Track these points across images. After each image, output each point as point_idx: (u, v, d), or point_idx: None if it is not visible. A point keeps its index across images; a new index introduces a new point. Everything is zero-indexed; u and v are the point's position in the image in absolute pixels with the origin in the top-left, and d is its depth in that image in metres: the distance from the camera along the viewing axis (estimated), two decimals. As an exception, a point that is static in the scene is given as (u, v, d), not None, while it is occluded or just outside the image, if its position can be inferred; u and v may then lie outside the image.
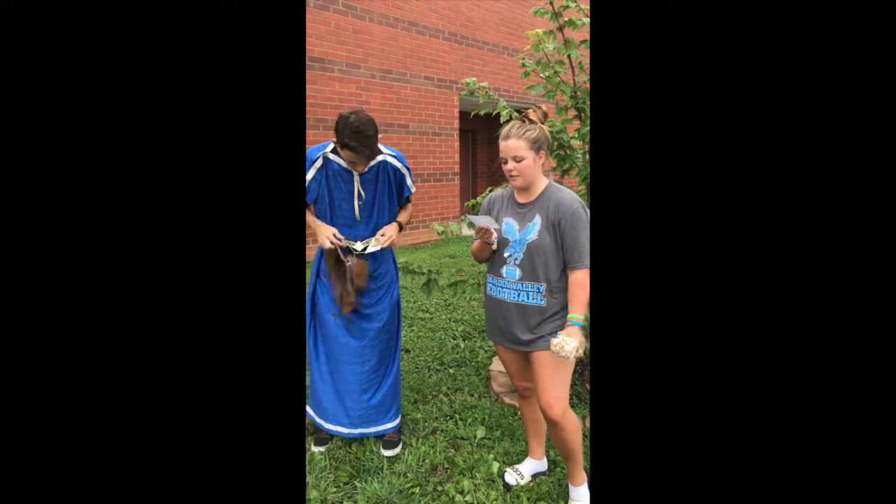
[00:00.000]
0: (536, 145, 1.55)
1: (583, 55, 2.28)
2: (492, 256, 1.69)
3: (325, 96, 6.11)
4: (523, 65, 2.42)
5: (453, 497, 1.80)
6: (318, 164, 1.92)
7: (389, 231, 1.97)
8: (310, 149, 1.94)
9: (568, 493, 1.78)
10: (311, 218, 1.97)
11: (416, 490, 1.85)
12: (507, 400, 2.50)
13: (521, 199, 1.64)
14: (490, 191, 2.17)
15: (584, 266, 1.52)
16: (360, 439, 2.13)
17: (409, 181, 2.06)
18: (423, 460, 2.02)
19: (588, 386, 2.53)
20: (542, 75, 2.39)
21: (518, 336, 1.62)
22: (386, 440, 2.10)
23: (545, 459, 1.94)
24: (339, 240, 1.91)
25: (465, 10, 7.90)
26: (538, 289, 1.58)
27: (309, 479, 1.91)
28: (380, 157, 1.96)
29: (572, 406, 2.33)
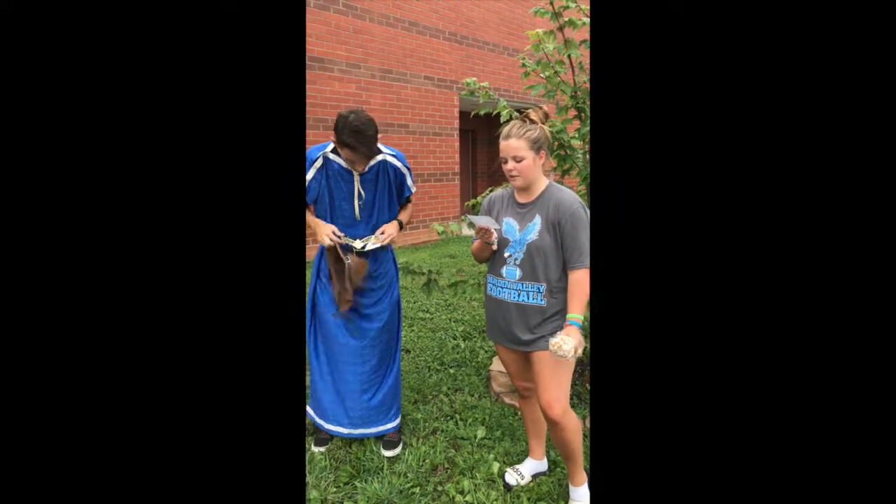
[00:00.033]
0: (537, 145, 1.55)
1: (583, 55, 2.28)
2: (492, 256, 1.69)
3: (325, 96, 6.11)
4: (523, 65, 2.42)
5: (453, 497, 1.80)
6: (318, 163, 1.92)
7: (389, 229, 1.97)
8: (310, 149, 1.94)
9: (568, 493, 1.78)
10: (311, 217, 1.97)
11: (417, 490, 1.85)
12: (507, 400, 2.50)
13: (521, 199, 1.64)
14: (490, 191, 2.17)
15: (583, 266, 1.52)
16: (361, 439, 2.13)
17: (409, 181, 2.06)
18: (424, 460, 2.02)
19: (588, 386, 2.53)
20: (542, 75, 2.39)
21: (518, 336, 1.62)
22: (386, 440, 2.10)
23: (545, 459, 1.94)
24: (339, 237, 1.91)
25: (465, 10, 7.90)
26: (538, 289, 1.58)
27: (309, 479, 1.91)
28: (380, 157, 1.96)
29: (572, 406, 2.33)
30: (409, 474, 1.93)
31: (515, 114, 2.04)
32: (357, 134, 1.75)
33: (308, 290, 2.07)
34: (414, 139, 7.32)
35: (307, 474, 1.93)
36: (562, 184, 2.00)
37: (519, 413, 2.36)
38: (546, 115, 1.64)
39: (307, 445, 2.12)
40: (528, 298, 1.59)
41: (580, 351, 1.43)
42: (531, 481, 1.89)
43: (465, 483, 1.86)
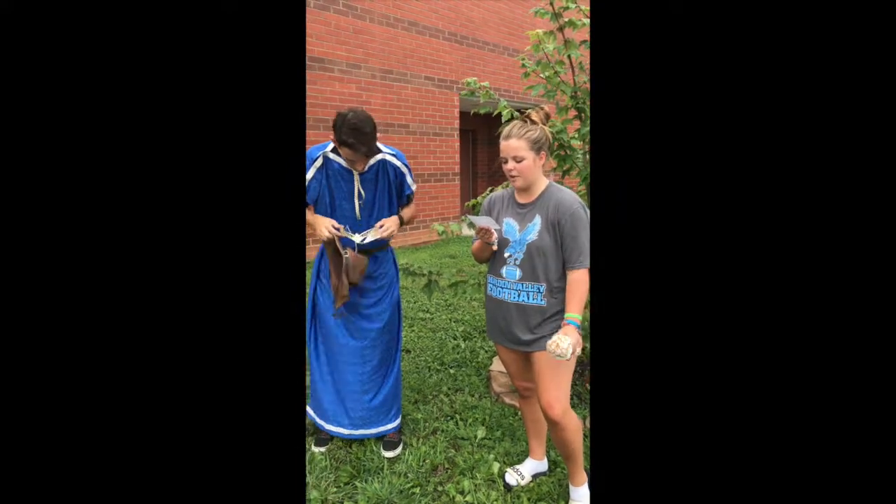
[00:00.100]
0: (537, 146, 1.55)
1: (583, 55, 2.28)
2: (492, 257, 1.69)
3: (325, 96, 6.11)
4: (523, 65, 2.42)
5: (454, 497, 1.80)
6: (319, 163, 1.92)
7: (389, 222, 1.96)
8: (310, 148, 1.94)
9: (568, 493, 1.78)
10: (311, 215, 1.96)
11: (417, 490, 1.85)
12: (507, 400, 2.50)
13: (521, 199, 1.64)
14: (490, 191, 2.17)
15: (582, 266, 1.52)
16: (361, 440, 2.13)
17: (409, 179, 2.05)
18: (424, 460, 2.02)
19: (588, 386, 2.53)
20: (542, 75, 2.39)
21: (518, 336, 1.62)
22: (386, 441, 2.10)
23: (546, 460, 1.94)
24: (338, 229, 1.90)
25: (465, 11, 7.90)
26: (538, 289, 1.58)
27: (309, 479, 1.91)
28: (379, 156, 1.95)
29: (572, 406, 2.33)
30: (409, 474, 1.93)
31: (516, 114, 2.04)
32: (356, 132, 1.75)
33: (308, 290, 2.07)
34: (414, 139, 7.32)
35: (307, 474, 1.93)
36: (562, 184, 2.00)
37: (519, 413, 2.36)
38: (547, 116, 1.64)
39: (307, 445, 2.12)
40: (528, 298, 1.59)
41: (578, 350, 1.43)
42: (531, 481, 1.89)
43: (466, 483, 1.86)
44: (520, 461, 1.99)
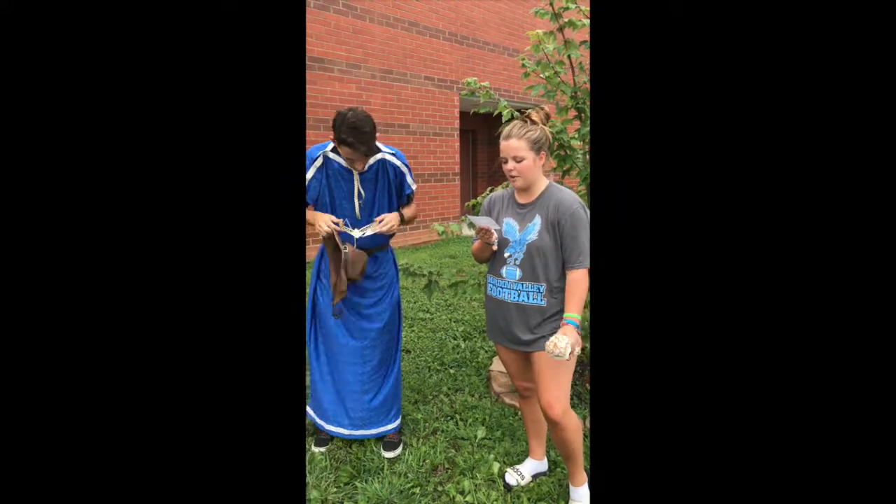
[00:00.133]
0: (537, 146, 1.55)
1: (583, 55, 2.28)
2: (492, 257, 1.69)
3: (325, 96, 6.11)
4: (523, 65, 2.42)
5: (454, 497, 1.80)
6: (319, 162, 1.92)
7: (389, 217, 1.94)
8: (310, 148, 1.94)
9: (568, 493, 1.78)
10: (310, 213, 1.96)
11: (417, 490, 1.85)
12: (507, 400, 2.50)
13: (521, 199, 1.64)
14: (490, 191, 2.17)
15: (582, 266, 1.52)
16: (361, 440, 2.13)
17: (409, 179, 2.05)
18: (424, 460, 2.02)
19: (588, 386, 2.53)
20: (542, 76, 2.39)
21: (518, 336, 1.62)
22: (386, 441, 2.10)
23: (546, 460, 1.94)
24: (337, 223, 1.90)
25: (465, 11, 7.90)
26: (538, 289, 1.58)
27: (309, 479, 1.91)
28: (379, 156, 1.95)
29: (572, 406, 2.33)
30: (409, 474, 1.93)
31: (516, 113, 2.04)
32: (354, 130, 1.75)
33: (308, 290, 2.07)
34: (414, 139, 7.32)
35: (307, 474, 1.93)
36: (562, 184, 2.00)
37: (519, 413, 2.36)
38: (547, 116, 1.64)
39: (307, 446, 2.12)
40: (528, 298, 1.59)
41: (577, 350, 1.43)
42: (531, 481, 1.89)
43: (466, 483, 1.86)
44: (520, 461, 1.99)
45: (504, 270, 1.63)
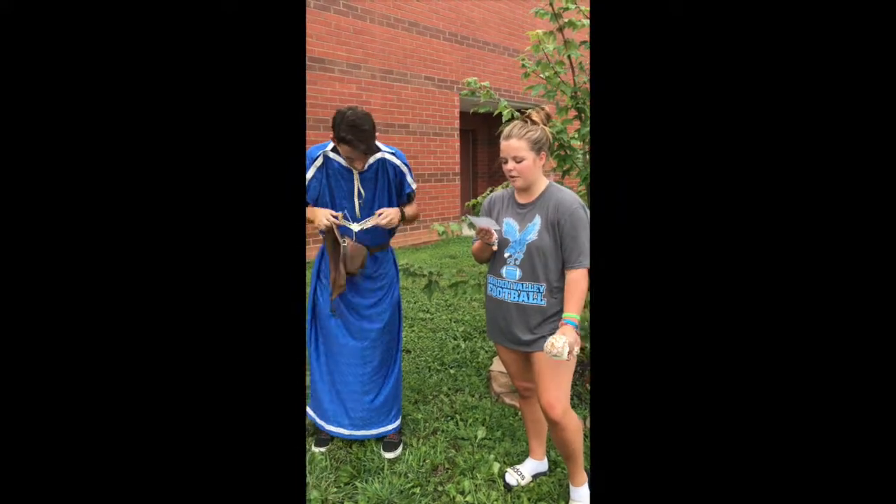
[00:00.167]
0: (537, 146, 1.55)
1: (583, 55, 2.28)
2: (492, 257, 1.69)
3: (325, 97, 6.11)
4: (523, 65, 2.42)
5: (454, 497, 1.80)
6: (319, 162, 1.92)
7: (388, 211, 1.93)
8: (310, 148, 1.94)
9: (569, 493, 1.78)
10: (310, 211, 1.95)
11: (417, 490, 1.85)
12: (507, 400, 2.50)
13: (521, 199, 1.64)
14: (490, 191, 2.17)
15: (581, 266, 1.52)
16: (361, 440, 2.13)
17: (409, 178, 2.05)
18: (424, 460, 2.02)
19: (588, 386, 2.53)
20: (542, 76, 2.39)
21: (518, 336, 1.62)
22: (386, 442, 2.10)
23: (546, 460, 1.94)
24: (336, 216, 1.89)
25: (465, 11, 7.90)
26: (538, 289, 1.58)
27: (310, 479, 1.91)
28: (379, 155, 1.96)
29: (573, 406, 2.33)
30: (409, 474, 1.93)
31: (517, 113, 2.04)
32: (354, 129, 1.75)
33: (308, 290, 2.07)
34: (414, 139, 7.32)
35: (308, 474, 1.93)
36: (562, 184, 2.00)
37: (519, 413, 2.36)
38: (548, 117, 1.64)
39: (308, 446, 2.12)
40: (528, 299, 1.59)
41: (576, 349, 1.43)
42: (531, 481, 1.89)
43: (466, 483, 1.86)
44: (520, 461, 1.99)
45: (504, 270, 1.63)
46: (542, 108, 1.63)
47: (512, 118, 2.18)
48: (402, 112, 7.11)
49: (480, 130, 10.61)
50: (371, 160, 1.94)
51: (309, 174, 1.91)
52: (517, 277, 1.60)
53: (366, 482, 1.88)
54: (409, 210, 2.07)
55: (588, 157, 2.41)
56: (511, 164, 1.56)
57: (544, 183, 1.62)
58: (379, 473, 1.94)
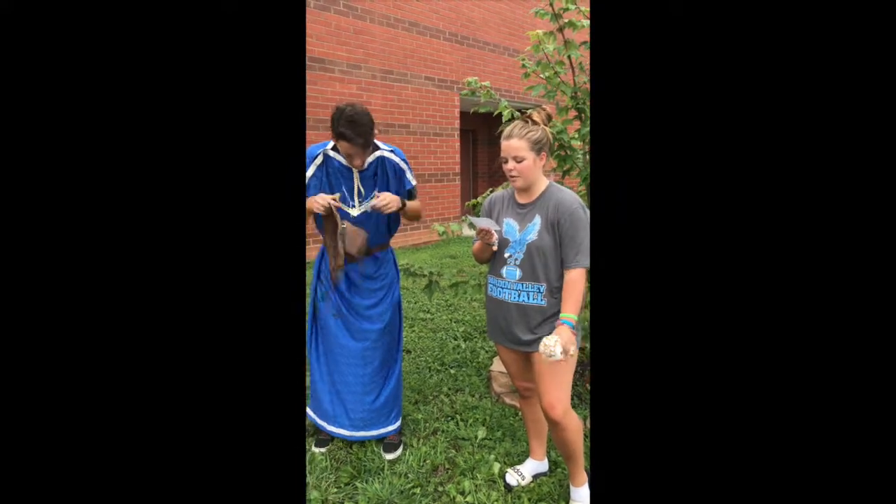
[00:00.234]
0: (538, 146, 1.55)
1: (583, 56, 2.28)
2: (492, 257, 1.69)
3: (325, 97, 6.11)
4: (524, 65, 2.42)
5: (454, 497, 1.80)
6: (319, 161, 1.92)
7: (387, 194, 1.89)
8: (310, 147, 1.94)
9: (569, 493, 1.78)
10: (308, 202, 1.93)
11: (417, 490, 1.85)
12: (508, 400, 2.50)
13: (521, 199, 1.64)
14: (491, 191, 2.17)
15: (579, 266, 1.52)
16: (361, 441, 2.13)
17: (408, 175, 2.04)
18: (424, 461, 2.02)
19: (588, 386, 2.53)
20: (542, 76, 2.39)
21: (519, 336, 1.62)
22: (387, 443, 2.10)
23: (546, 460, 1.94)
24: (334, 199, 1.86)
25: (465, 11, 7.90)
26: (538, 289, 1.58)
27: (310, 479, 1.91)
28: (378, 154, 1.96)
29: (573, 406, 2.33)
30: (409, 475, 1.93)
31: (517, 113, 2.04)
32: (352, 124, 1.75)
33: (309, 291, 2.07)
34: (415, 139, 7.32)
35: (308, 475, 1.93)
36: (562, 184, 2.00)
37: (520, 413, 2.36)
38: (549, 117, 1.64)
39: (308, 446, 2.12)
40: (528, 299, 1.59)
41: (573, 349, 1.43)
42: (532, 482, 1.89)
43: (466, 483, 1.86)
44: (520, 461, 1.99)
45: (504, 270, 1.63)
46: (544, 109, 1.63)
47: (512, 118, 2.18)
48: (402, 112, 7.11)
49: (481, 130, 10.61)
50: (370, 158, 1.94)
51: (309, 172, 1.91)
52: (517, 277, 1.60)
53: (366, 482, 1.88)
54: (412, 204, 2.03)
55: (588, 157, 2.41)
56: (511, 164, 1.56)
57: (544, 183, 1.62)
58: (379, 474, 1.94)
